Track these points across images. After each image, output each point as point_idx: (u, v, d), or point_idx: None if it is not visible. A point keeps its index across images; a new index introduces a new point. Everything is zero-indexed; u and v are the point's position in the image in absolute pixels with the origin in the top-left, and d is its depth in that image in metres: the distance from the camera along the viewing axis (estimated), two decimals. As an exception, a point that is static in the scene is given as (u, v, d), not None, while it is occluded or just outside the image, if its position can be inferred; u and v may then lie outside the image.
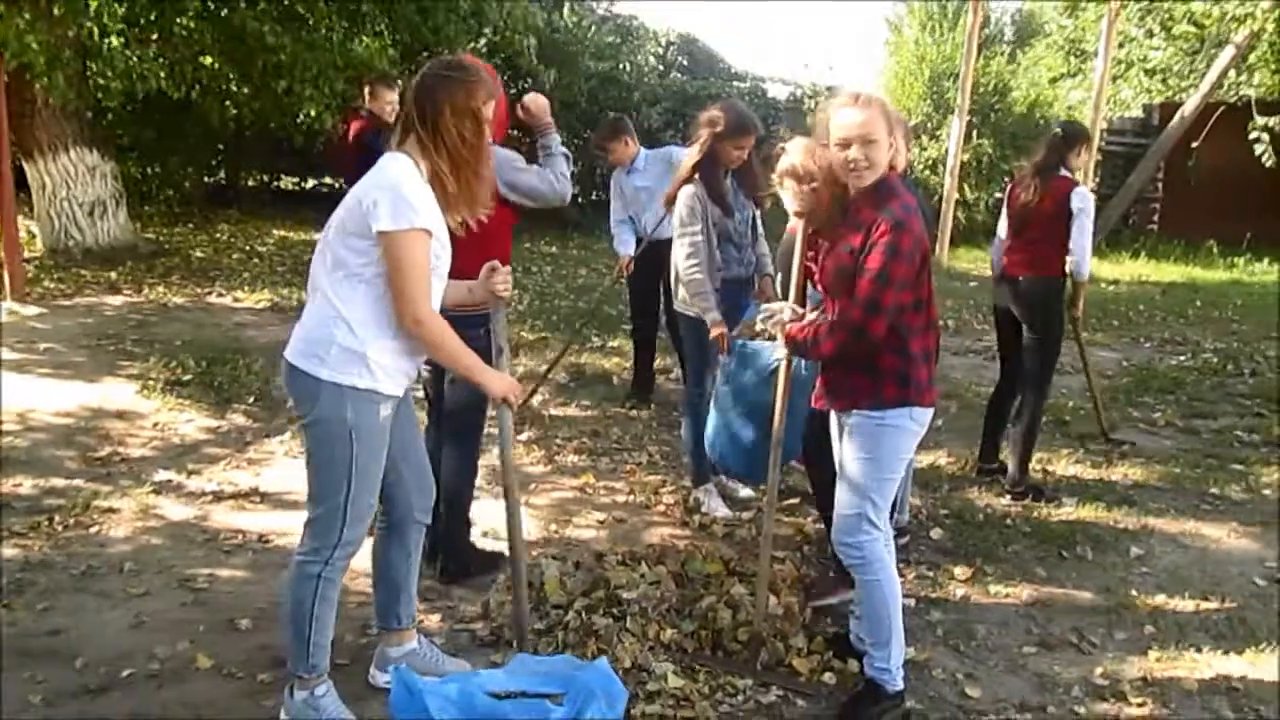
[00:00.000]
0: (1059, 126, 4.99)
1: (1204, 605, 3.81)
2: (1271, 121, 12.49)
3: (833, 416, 3.09)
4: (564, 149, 3.71)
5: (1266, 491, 5.07)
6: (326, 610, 2.80)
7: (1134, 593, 3.89)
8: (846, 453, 2.95)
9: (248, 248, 11.13)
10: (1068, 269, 4.74)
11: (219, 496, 4.52)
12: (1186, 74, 14.43)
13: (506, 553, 3.89)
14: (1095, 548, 4.30)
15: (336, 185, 15.82)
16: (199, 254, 10.58)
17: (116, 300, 8.25)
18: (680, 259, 4.25)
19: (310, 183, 15.64)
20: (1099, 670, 3.32)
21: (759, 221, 4.52)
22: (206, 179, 14.20)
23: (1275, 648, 3.46)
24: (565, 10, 13.75)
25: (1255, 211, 13.66)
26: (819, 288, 3.07)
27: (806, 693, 3.10)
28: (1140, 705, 3.12)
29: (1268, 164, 12.45)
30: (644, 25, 15.80)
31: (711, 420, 4.19)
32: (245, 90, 9.86)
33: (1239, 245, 13.56)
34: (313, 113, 9.56)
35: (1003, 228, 4.92)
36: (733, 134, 4.15)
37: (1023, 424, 4.81)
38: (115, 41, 8.57)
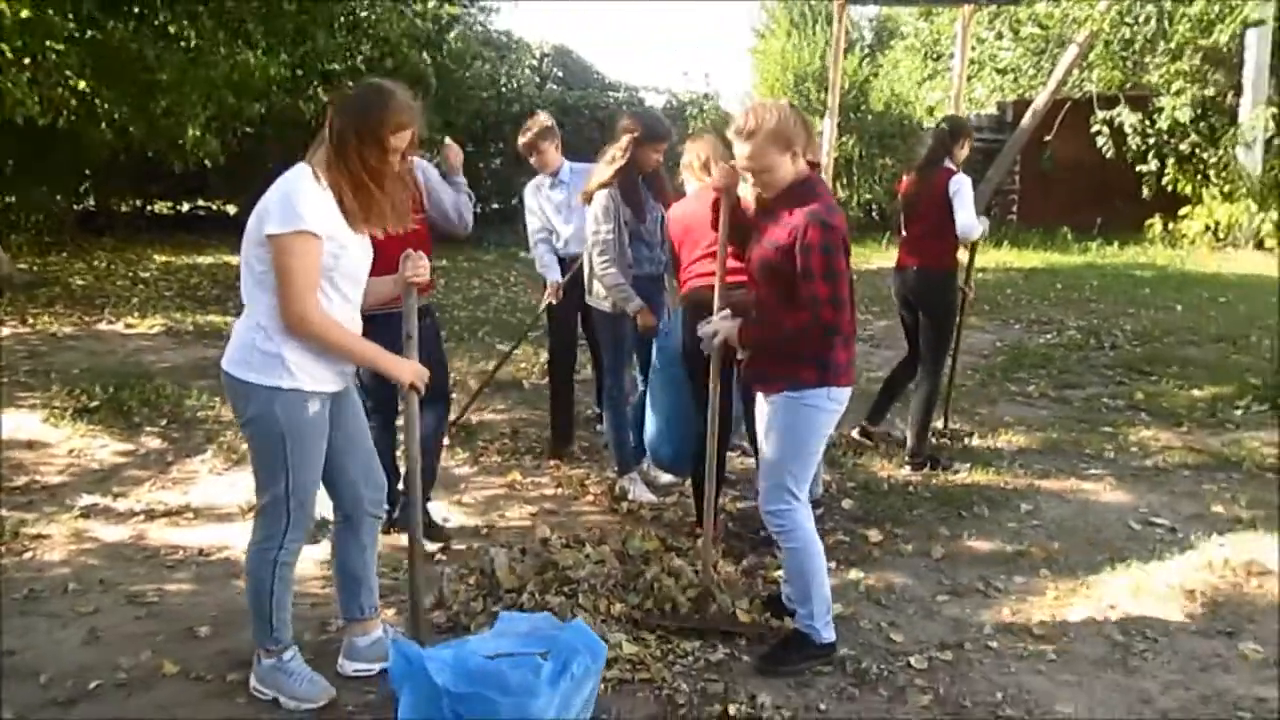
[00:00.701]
0: (944, 121, 5.40)
1: (1089, 549, 4.22)
2: (1111, 114, 13.47)
3: (759, 398, 3.36)
4: (468, 190, 4.19)
5: (1134, 449, 5.58)
6: (284, 590, 3.01)
7: (1028, 543, 4.28)
8: (770, 430, 3.22)
9: (130, 274, 10.90)
10: (959, 236, 5.04)
11: (150, 515, 4.53)
12: (1035, 73, 15.38)
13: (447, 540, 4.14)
14: (990, 507, 4.70)
15: (214, 207, 15.56)
16: (79, 282, 10.31)
17: (2, 332, 8.01)
18: (594, 256, 4.48)
19: (185, 206, 15.30)
20: (1005, 610, 3.68)
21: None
22: (75, 205, 13.78)
23: (1151, 577, 3.89)
24: (452, 34, 13.82)
25: (1103, 199, 14.69)
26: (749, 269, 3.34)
27: (758, 633, 3.37)
28: (1043, 636, 3.48)
29: (1108, 155, 13.41)
30: (520, 39, 15.97)
31: (650, 424, 4.49)
32: (121, 112, 9.65)
33: (1091, 231, 14.54)
34: (194, 133, 9.45)
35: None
36: (650, 139, 4.42)
37: (920, 400, 5.20)
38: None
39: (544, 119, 5.17)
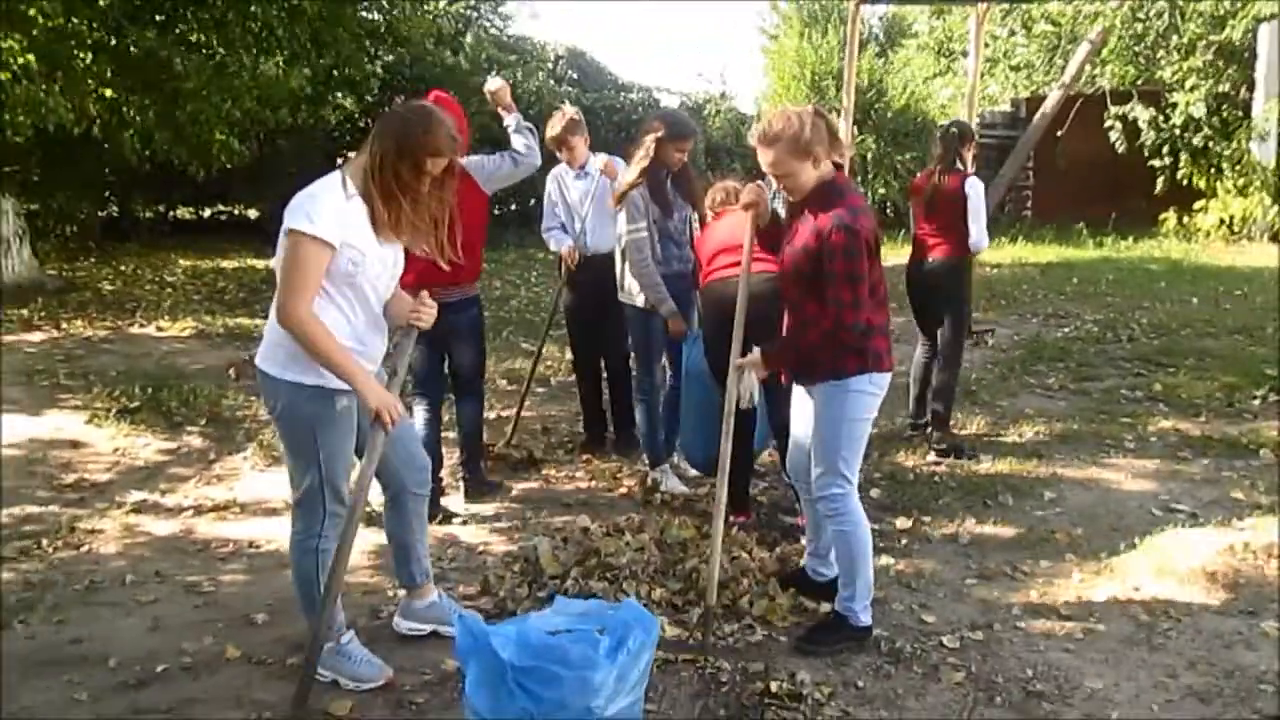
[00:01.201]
0: (953, 126, 5.55)
1: (1112, 534, 4.34)
2: (1124, 110, 13.54)
3: (800, 391, 3.50)
4: (527, 123, 4.41)
5: (1153, 439, 5.68)
6: (330, 577, 3.08)
7: (1053, 529, 4.40)
8: (818, 419, 3.35)
9: (157, 279, 11.08)
10: (971, 247, 5.30)
11: (198, 510, 4.68)
12: (1048, 69, 15.45)
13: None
14: (1014, 495, 4.82)
15: (234, 212, 15.77)
16: (109, 287, 10.50)
17: (36, 337, 8.20)
18: (631, 254, 4.61)
19: (207, 212, 15.51)
20: (1033, 593, 3.80)
21: (695, 223, 4.91)
22: (100, 212, 13.99)
23: (1173, 560, 4.00)
24: (468, 37, 13.98)
25: (1117, 194, 14.76)
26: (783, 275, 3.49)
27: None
28: (1070, 616, 3.60)
29: (1121, 150, 13.48)
30: (535, 42, 16.10)
31: (685, 426, 4.72)
32: (148, 119, 9.82)
33: (1105, 226, 14.61)
34: (220, 139, 9.64)
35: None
36: (673, 137, 4.55)
37: (942, 388, 5.35)
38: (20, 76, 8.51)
39: (571, 111, 5.23)
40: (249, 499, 4.81)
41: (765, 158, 3.26)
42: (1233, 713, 2.99)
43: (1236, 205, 14.01)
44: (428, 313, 3.16)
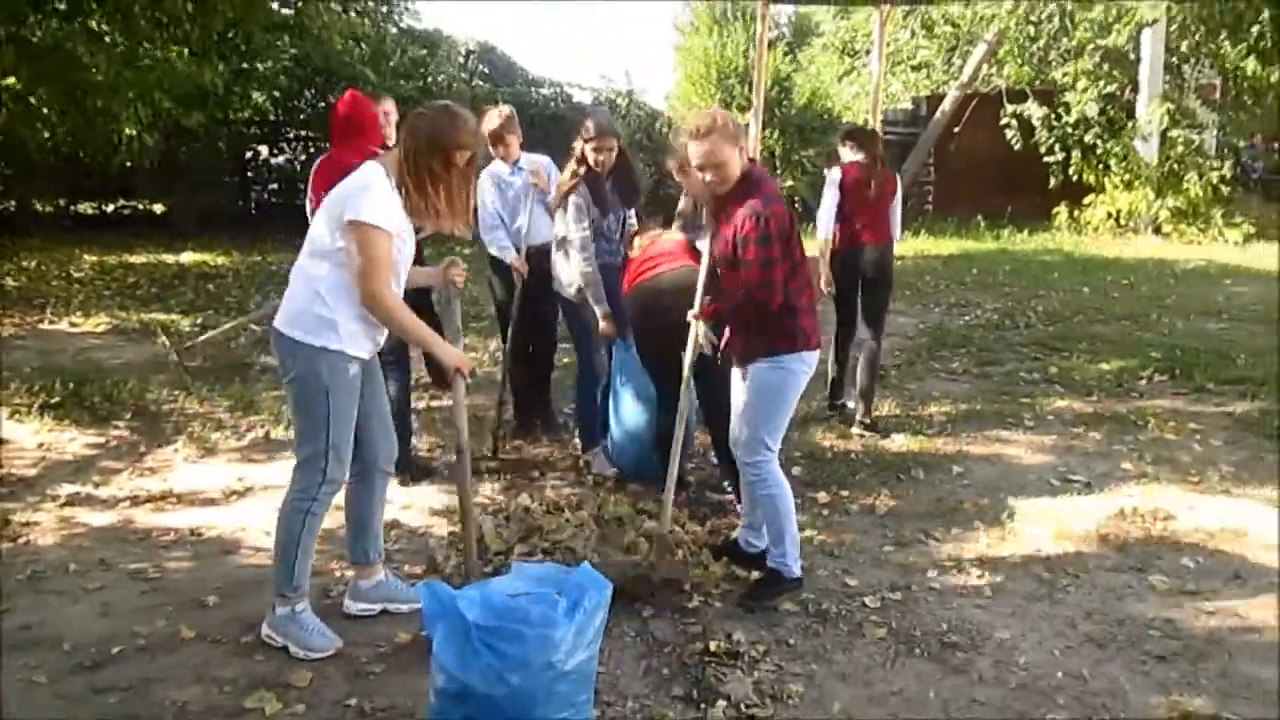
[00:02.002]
0: (869, 129, 5.99)
1: (1015, 503, 4.67)
2: (1019, 109, 14.17)
3: (735, 372, 3.74)
4: None
5: (1050, 417, 6.08)
6: (310, 541, 3.35)
7: (961, 500, 4.72)
8: (749, 393, 3.59)
9: (63, 274, 10.82)
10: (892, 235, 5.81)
11: (134, 501, 4.70)
12: (946, 69, 16.04)
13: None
14: (925, 470, 5.13)
15: (139, 206, 15.40)
16: (12, 283, 10.22)
17: (-59, 334, 7.98)
18: (575, 253, 4.80)
19: (110, 206, 15.12)
20: (945, 556, 4.10)
21: (631, 220, 5.12)
22: (-2, 206, 13.59)
23: (1070, 525, 4.35)
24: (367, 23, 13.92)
25: (1013, 189, 15.42)
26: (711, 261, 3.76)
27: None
28: (980, 576, 3.91)
29: (1017, 147, 14.11)
30: (446, 35, 16.09)
31: (615, 432, 4.95)
32: (56, 112, 9.59)
33: (1002, 219, 15.26)
34: (130, 132, 9.47)
35: (832, 210, 5.72)
36: (596, 136, 4.75)
37: (867, 367, 5.72)
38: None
39: (506, 110, 5.34)
40: (185, 490, 4.84)
41: (699, 149, 3.47)
42: (1125, 656, 3.31)
43: (1123, 200, 14.75)
44: (459, 270, 3.53)
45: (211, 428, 5.77)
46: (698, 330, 3.77)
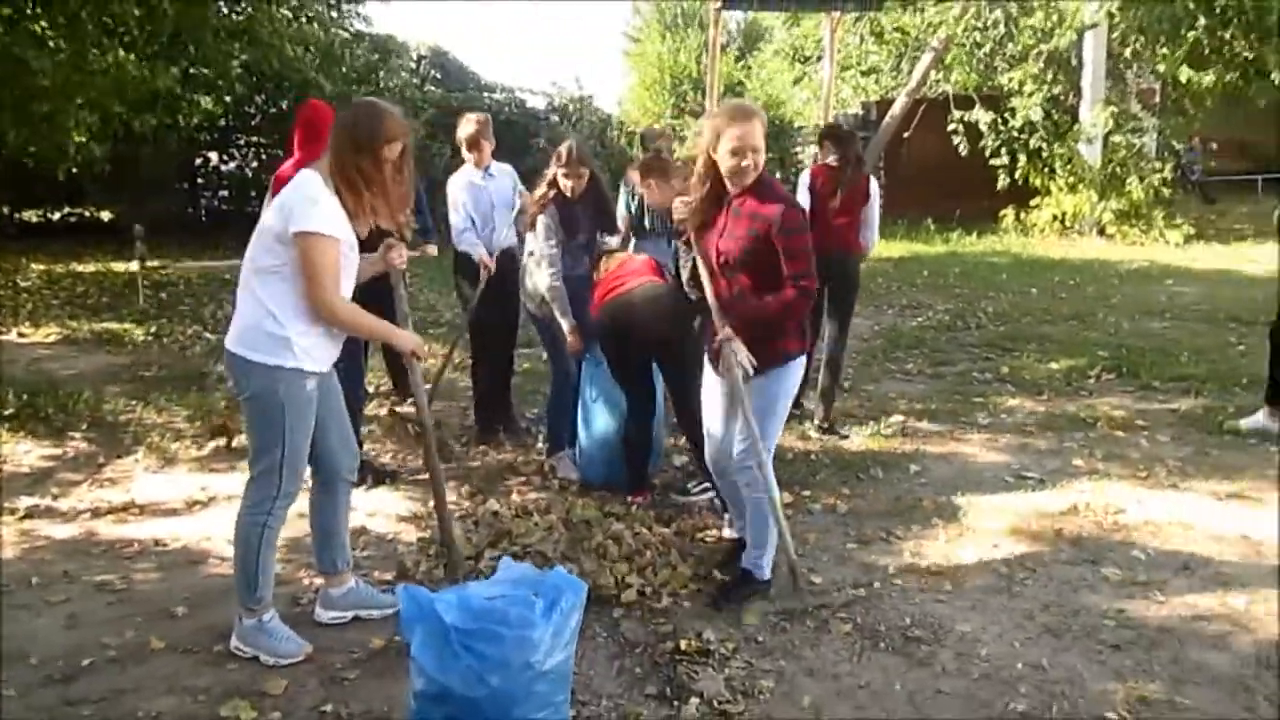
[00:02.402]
0: (843, 128, 6.08)
1: (972, 500, 4.79)
2: (966, 114, 14.44)
3: (711, 384, 3.82)
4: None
5: (1003, 416, 6.23)
6: (269, 553, 3.34)
7: (920, 498, 4.82)
8: (761, 399, 3.58)
9: (9, 284, 10.66)
10: (867, 244, 5.89)
11: (96, 513, 4.66)
12: (895, 74, 16.28)
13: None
14: (884, 469, 5.24)
15: (86, 214, 15.15)
16: (-45, 293, 10.04)
17: (-114, 345, 7.83)
18: (544, 269, 4.91)
19: (57, 215, 14.85)
20: (906, 554, 4.20)
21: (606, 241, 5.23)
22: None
23: (1026, 520, 4.47)
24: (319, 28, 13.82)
25: (961, 192, 15.70)
26: (709, 266, 3.68)
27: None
28: (940, 574, 4.00)
29: (964, 152, 14.37)
30: (399, 40, 16.02)
31: (584, 443, 5.00)
32: (3, 117, 9.42)
33: (951, 222, 15.52)
34: (80, 139, 9.35)
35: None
36: (566, 164, 4.85)
37: (829, 371, 5.81)
38: None
39: (482, 116, 5.47)
40: (147, 500, 4.81)
41: (742, 130, 3.40)
42: (1081, 645, 3.42)
43: (1068, 202, 15.09)
44: (399, 253, 3.54)
45: (171, 437, 5.73)
46: (734, 351, 3.55)
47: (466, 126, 5.36)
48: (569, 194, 4.91)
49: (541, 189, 4.97)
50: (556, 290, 4.89)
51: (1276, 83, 13.70)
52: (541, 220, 4.92)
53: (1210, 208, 18.21)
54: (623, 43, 18.30)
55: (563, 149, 4.91)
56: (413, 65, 17.10)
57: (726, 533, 4.24)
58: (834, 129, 6.15)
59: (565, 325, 4.90)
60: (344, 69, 13.19)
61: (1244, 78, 13.81)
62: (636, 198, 5.64)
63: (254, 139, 14.84)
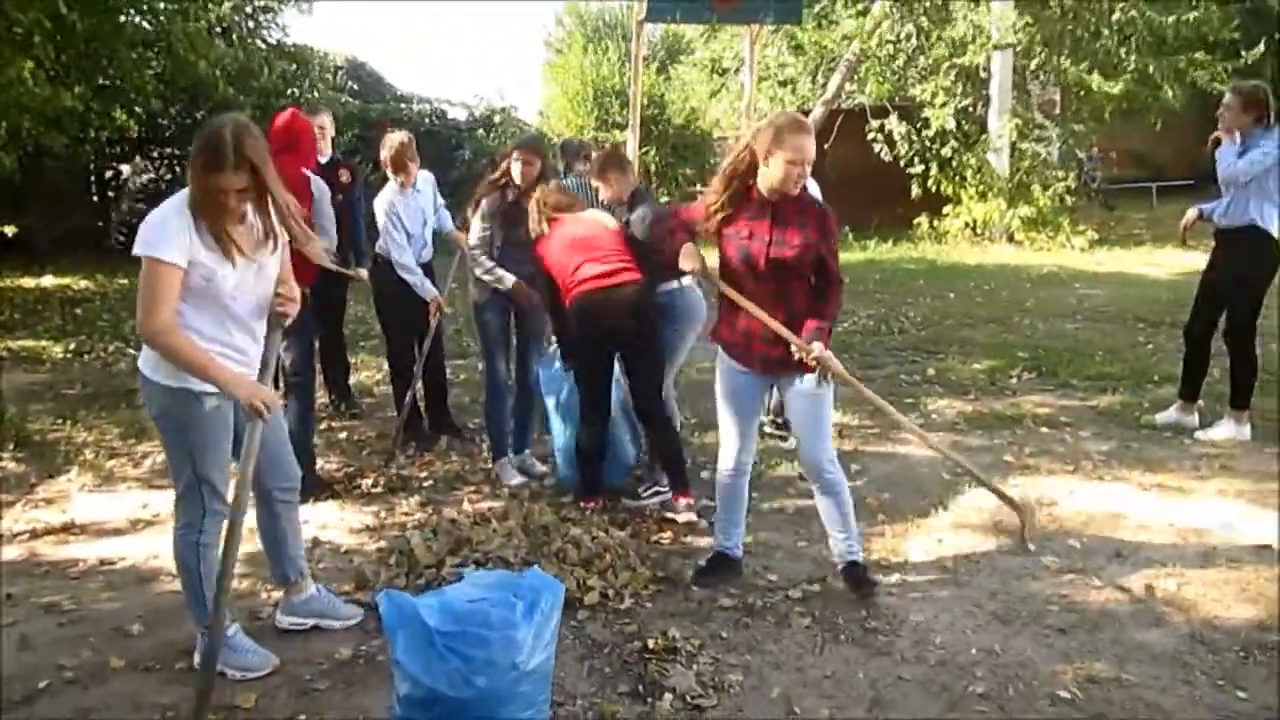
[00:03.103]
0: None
1: (914, 497, 4.95)
2: (882, 123, 14.85)
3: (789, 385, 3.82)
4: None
5: (934, 415, 6.43)
6: (211, 569, 3.23)
7: (864, 496, 4.96)
8: (821, 404, 3.75)
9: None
10: None
11: (34, 534, 4.54)
12: (812, 85, 16.63)
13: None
14: (826, 469, 5.37)
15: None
16: None
17: None
18: (474, 251, 4.99)
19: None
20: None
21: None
22: None
23: (966, 514, 4.65)
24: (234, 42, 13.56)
25: (877, 201, 16.09)
26: (742, 268, 3.70)
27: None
28: (889, 568, 4.14)
29: (887, 159, 14.76)
30: (316, 50, 15.80)
31: (559, 447, 5.04)
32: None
33: (869, 230, 15.90)
34: (-11, 152, 9.06)
35: None
36: (519, 147, 4.97)
37: None
38: None
39: (404, 137, 5.43)
40: (87, 520, 4.70)
41: (812, 144, 3.51)
42: (1030, 630, 3.59)
43: (978, 210, 15.58)
44: (291, 306, 3.25)
45: (105, 455, 5.61)
46: (829, 359, 3.61)
47: (390, 149, 5.35)
48: (519, 180, 4.92)
49: (491, 176, 5.04)
50: (485, 265, 4.96)
51: (1170, 96, 14.42)
52: (484, 203, 4.97)
53: (1110, 214, 18.95)
54: (543, 55, 18.41)
55: (521, 139, 5.00)
56: (329, 77, 16.86)
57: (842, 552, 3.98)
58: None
59: (506, 284, 4.93)
60: (259, 81, 12.94)
61: (1143, 91, 14.45)
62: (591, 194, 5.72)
63: (168, 150, 14.48)
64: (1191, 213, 5.86)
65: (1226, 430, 5.71)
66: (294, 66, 14.16)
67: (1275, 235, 5.47)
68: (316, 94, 15.12)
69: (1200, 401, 6.00)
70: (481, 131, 14.43)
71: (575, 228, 4.67)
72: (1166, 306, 9.67)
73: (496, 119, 14.66)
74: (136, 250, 2.96)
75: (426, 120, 15.38)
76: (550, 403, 5.04)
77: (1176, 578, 3.95)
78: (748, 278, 3.71)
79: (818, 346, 3.56)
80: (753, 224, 3.66)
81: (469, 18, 59.26)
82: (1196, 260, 6.08)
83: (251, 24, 13.71)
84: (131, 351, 8.13)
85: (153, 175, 14.80)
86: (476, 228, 4.99)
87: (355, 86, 17.82)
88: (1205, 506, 4.74)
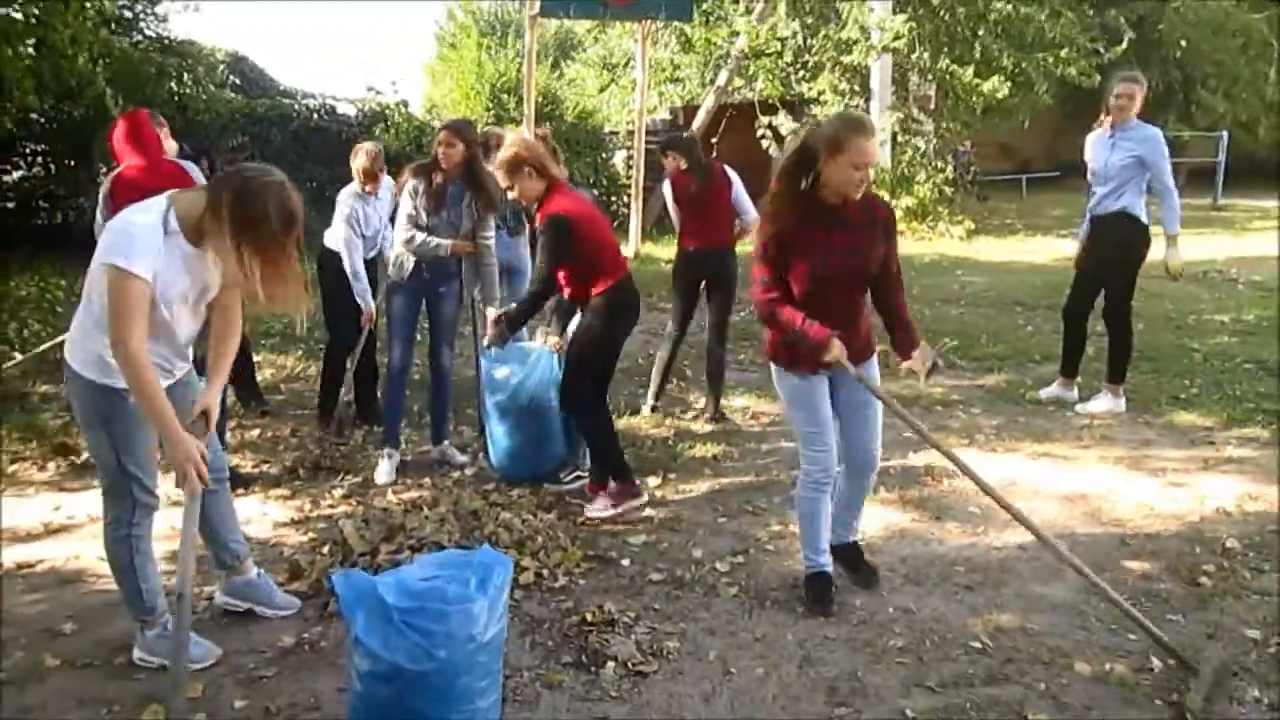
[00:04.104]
0: (686, 134, 6.43)
1: (823, 473, 5.20)
2: (771, 119, 15.24)
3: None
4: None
5: (835, 397, 6.72)
6: (145, 561, 3.29)
7: (776, 472, 5.20)
8: (873, 394, 3.74)
9: None
10: (749, 222, 6.02)
11: (-57, 542, 4.42)
12: (701, 81, 16.92)
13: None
14: (739, 449, 5.61)
15: None
16: None
17: None
18: (402, 233, 5.02)
19: None
20: (773, 522, 4.55)
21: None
22: None
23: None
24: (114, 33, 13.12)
25: (767, 192, 16.48)
26: (811, 277, 3.51)
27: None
28: (807, 537, 4.37)
29: (774, 154, 15.12)
30: (200, 45, 15.38)
31: (496, 440, 5.08)
32: None
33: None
34: None
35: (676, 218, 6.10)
36: (443, 130, 5.03)
37: (718, 363, 6.14)
38: None
39: (375, 149, 5.66)
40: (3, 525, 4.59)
41: (874, 149, 3.36)
42: (940, 589, 3.86)
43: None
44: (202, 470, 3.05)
45: (6, 460, 5.45)
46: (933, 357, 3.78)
47: (362, 160, 5.59)
48: (443, 162, 4.96)
49: (420, 161, 5.13)
50: (410, 237, 4.99)
51: (1040, 93, 15.19)
52: (410, 182, 5.04)
53: (983, 205, 19.80)
54: (428, 51, 18.24)
55: (448, 120, 5.06)
56: (214, 71, 16.41)
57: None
58: (672, 141, 6.29)
59: (443, 249, 4.96)
60: (139, 76, 12.53)
61: (1016, 87, 15.17)
62: None
63: (41, 147, 13.87)
64: (1075, 245, 6.41)
65: (1105, 403, 6.15)
66: (178, 60, 13.73)
67: (1145, 221, 5.91)
68: (199, 89, 14.74)
69: (1079, 378, 6.43)
70: (379, 126, 14.24)
71: (586, 205, 4.77)
72: (1042, 291, 10.22)
73: (390, 114, 14.48)
74: (110, 261, 2.88)
75: (315, 116, 15.07)
76: (490, 401, 5.05)
77: (1068, 538, 4.27)
78: (817, 289, 3.51)
79: (923, 353, 3.80)
80: (821, 233, 3.46)
81: (352, 16, 58.12)
82: (1066, 248, 6.50)
83: (130, 15, 13.26)
84: (17, 354, 7.85)
85: (24, 172, 14.16)
86: (405, 205, 5.02)
87: (238, 82, 17.38)
88: (1088, 472, 5.11)
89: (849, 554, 3.95)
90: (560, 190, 4.60)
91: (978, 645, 3.42)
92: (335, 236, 5.71)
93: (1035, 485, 4.93)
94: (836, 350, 3.44)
